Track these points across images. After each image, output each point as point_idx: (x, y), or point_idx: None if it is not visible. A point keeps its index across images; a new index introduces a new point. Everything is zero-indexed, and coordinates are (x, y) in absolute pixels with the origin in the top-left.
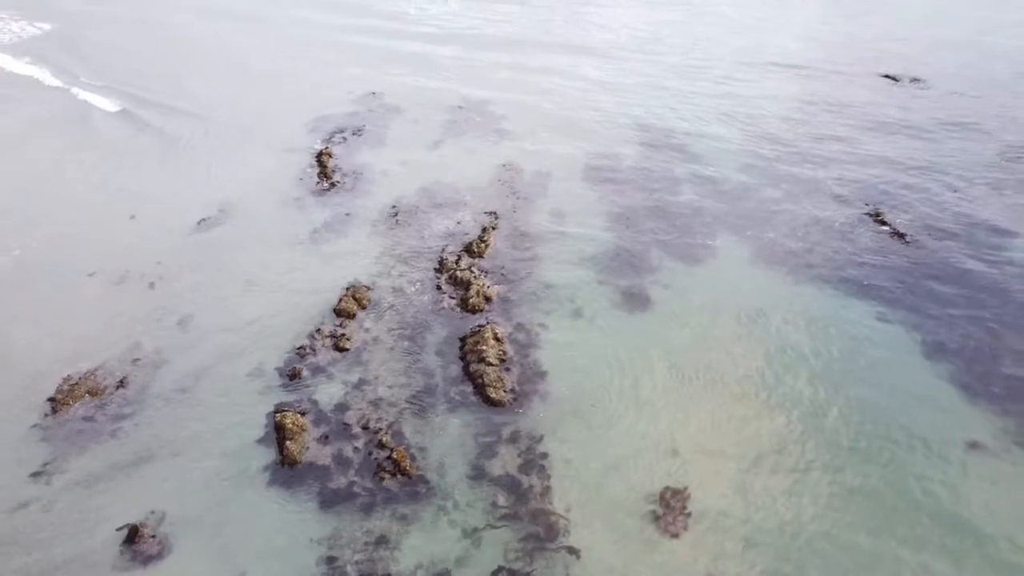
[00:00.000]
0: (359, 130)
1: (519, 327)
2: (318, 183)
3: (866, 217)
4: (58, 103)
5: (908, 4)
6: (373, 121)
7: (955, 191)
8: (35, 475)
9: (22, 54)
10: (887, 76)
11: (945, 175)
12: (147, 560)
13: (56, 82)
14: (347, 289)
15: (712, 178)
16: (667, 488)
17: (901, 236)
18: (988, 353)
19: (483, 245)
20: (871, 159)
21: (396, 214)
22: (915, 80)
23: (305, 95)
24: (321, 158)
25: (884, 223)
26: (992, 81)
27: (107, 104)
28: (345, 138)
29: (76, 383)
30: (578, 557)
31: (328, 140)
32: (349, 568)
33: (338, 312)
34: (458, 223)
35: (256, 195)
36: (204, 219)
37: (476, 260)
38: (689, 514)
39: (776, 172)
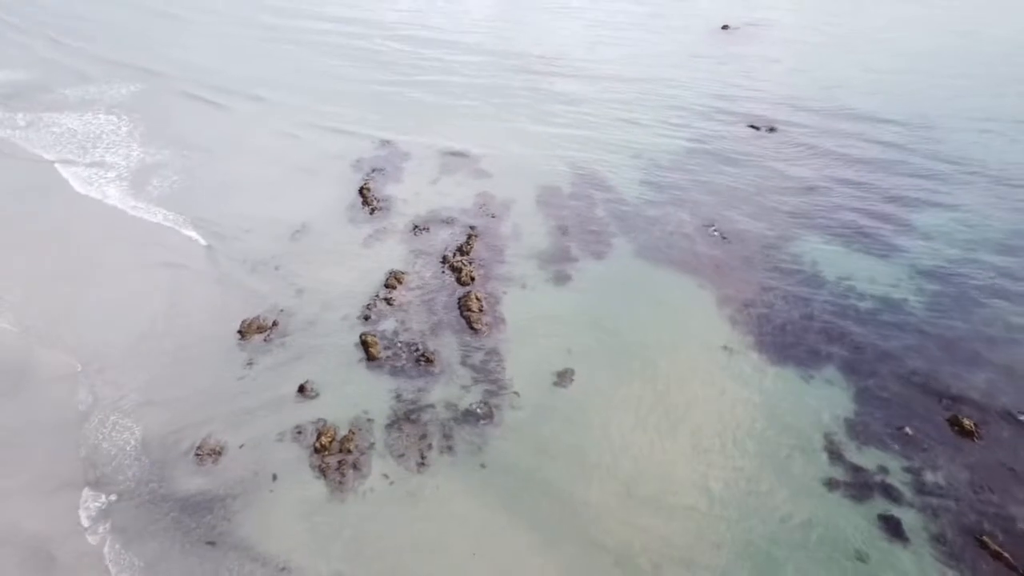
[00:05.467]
0: (383, 170)
1: (490, 293)
2: (363, 207)
3: (705, 227)
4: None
5: (790, 65)
6: (392, 163)
7: (765, 212)
8: (246, 365)
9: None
10: (752, 126)
11: (763, 199)
12: (309, 400)
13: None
14: (390, 272)
15: (617, 202)
16: (563, 368)
17: (725, 238)
18: (753, 301)
19: (469, 246)
20: (719, 188)
21: (415, 228)
22: (771, 129)
23: (344, 148)
24: (363, 191)
25: (716, 230)
26: (827, 129)
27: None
28: (375, 176)
29: (250, 323)
30: (517, 395)
31: (365, 178)
32: (405, 400)
33: (386, 285)
34: (452, 233)
35: (324, 217)
36: (296, 231)
37: (465, 256)
38: (573, 380)
39: (657, 198)
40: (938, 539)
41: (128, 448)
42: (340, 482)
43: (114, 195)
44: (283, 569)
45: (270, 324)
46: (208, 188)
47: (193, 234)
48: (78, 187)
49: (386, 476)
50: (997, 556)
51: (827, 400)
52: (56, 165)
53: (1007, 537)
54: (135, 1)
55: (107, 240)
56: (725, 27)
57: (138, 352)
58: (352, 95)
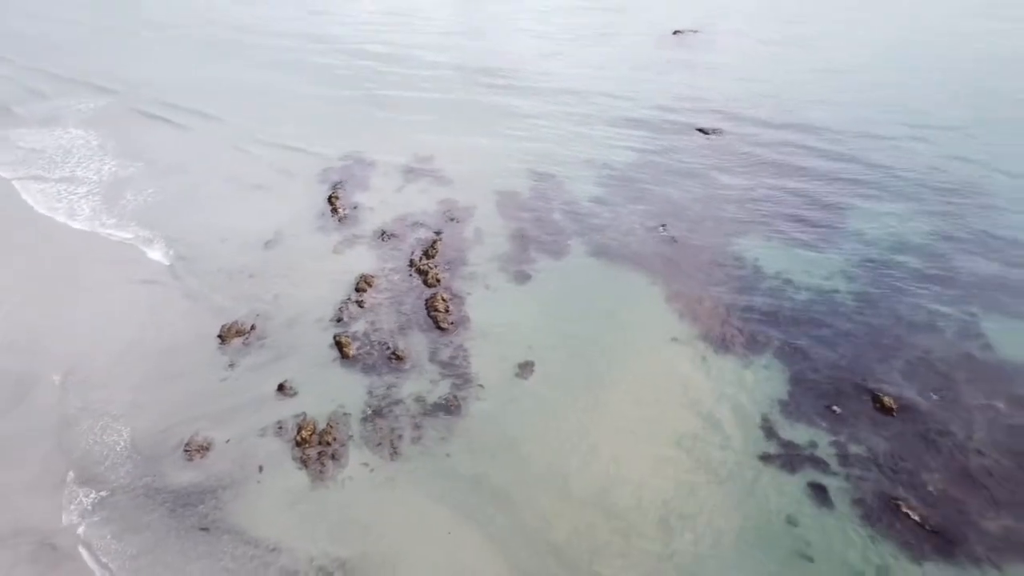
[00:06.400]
0: (351, 179)
1: (455, 294)
2: (333, 215)
3: (657, 227)
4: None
5: (737, 71)
6: (358, 174)
7: (711, 212)
8: (227, 367)
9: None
10: (700, 129)
11: (709, 202)
12: (288, 397)
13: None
14: (360, 276)
15: (574, 204)
16: (524, 361)
17: (674, 239)
18: (699, 296)
19: (434, 250)
20: (667, 192)
21: (382, 234)
22: (716, 132)
23: (309, 161)
24: (331, 200)
25: (666, 229)
26: (770, 135)
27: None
28: (343, 186)
29: (229, 327)
30: (482, 388)
31: (332, 189)
32: (377, 395)
33: (357, 289)
34: (418, 238)
35: (296, 226)
36: (269, 240)
37: (431, 259)
38: (533, 371)
39: (610, 202)
40: (859, 503)
41: (118, 448)
42: (321, 471)
43: (86, 213)
44: (274, 550)
45: (248, 328)
46: (177, 204)
47: (167, 248)
48: (48, 204)
49: (366, 464)
50: (908, 516)
51: (764, 384)
52: (23, 182)
53: (918, 500)
54: (76, 17)
55: (82, 258)
56: (676, 32)
57: (123, 361)
58: (314, 111)
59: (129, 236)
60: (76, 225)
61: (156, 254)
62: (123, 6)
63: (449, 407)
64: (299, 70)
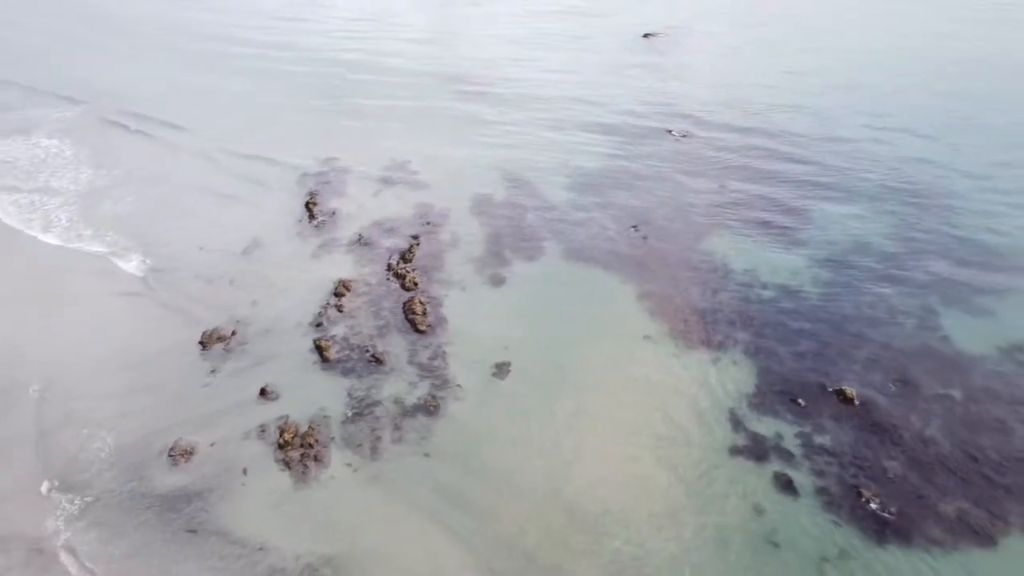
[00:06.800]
0: (328, 186)
1: (433, 297)
2: (310, 222)
3: (629, 228)
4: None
5: (706, 73)
6: (334, 181)
7: (681, 213)
8: (210, 373)
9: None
10: (668, 131)
11: (679, 203)
12: (271, 401)
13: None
14: (338, 281)
15: (547, 207)
16: (500, 361)
17: (644, 238)
18: (670, 294)
19: (411, 254)
20: (638, 194)
21: (360, 239)
22: (685, 135)
23: (285, 169)
24: (308, 206)
25: (637, 231)
26: (737, 137)
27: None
28: (320, 193)
29: (210, 334)
30: (460, 388)
31: (309, 195)
32: (358, 396)
33: (336, 294)
34: (396, 242)
35: (273, 233)
36: (247, 247)
37: (408, 263)
38: (510, 371)
39: (582, 205)
40: (823, 491)
41: (103, 455)
42: (304, 473)
43: (62, 224)
44: (260, 549)
45: (229, 334)
46: (155, 214)
47: (147, 257)
48: (22, 216)
49: (348, 465)
50: (869, 502)
51: (732, 379)
52: None
53: (878, 486)
54: (48, 25)
55: (61, 270)
56: (647, 35)
57: (105, 369)
58: (290, 120)
59: (109, 247)
60: (53, 237)
61: (136, 263)
62: (89, 14)
63: (428, 407)
64: (274, 79)
